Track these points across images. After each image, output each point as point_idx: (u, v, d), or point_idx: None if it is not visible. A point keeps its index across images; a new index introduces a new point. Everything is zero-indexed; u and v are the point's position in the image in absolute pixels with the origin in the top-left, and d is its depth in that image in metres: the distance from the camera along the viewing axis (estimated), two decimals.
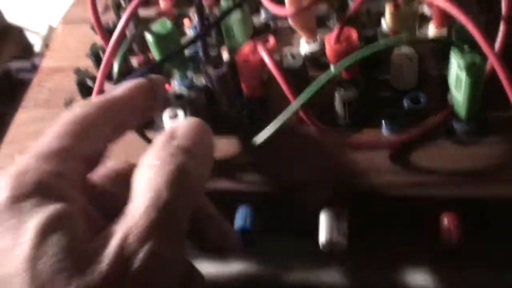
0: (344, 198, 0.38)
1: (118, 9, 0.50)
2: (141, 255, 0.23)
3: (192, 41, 0.37)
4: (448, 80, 0.36)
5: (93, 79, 0.45)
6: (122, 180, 0.30)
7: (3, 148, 0.45)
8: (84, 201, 0.26)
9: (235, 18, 0.41)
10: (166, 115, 0.42)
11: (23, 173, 0.25)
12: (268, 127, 0.36)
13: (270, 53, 0.38)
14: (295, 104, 0.35)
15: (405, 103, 0.39)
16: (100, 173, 0.31)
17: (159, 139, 0.28)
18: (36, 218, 0.24)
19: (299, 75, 0.41)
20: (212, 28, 0.38)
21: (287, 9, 0.40)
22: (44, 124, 0.45)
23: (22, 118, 0.47)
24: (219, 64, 0.39)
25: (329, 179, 0.38)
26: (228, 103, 0.41)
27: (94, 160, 0.29)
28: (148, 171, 0.26)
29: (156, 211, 0.24)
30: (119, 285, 0.23)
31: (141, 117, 0.33)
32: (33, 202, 0.24)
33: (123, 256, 0.23)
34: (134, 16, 0.37)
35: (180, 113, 0.42)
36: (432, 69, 0.42)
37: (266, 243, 0.39)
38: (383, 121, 0.39)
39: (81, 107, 0.29)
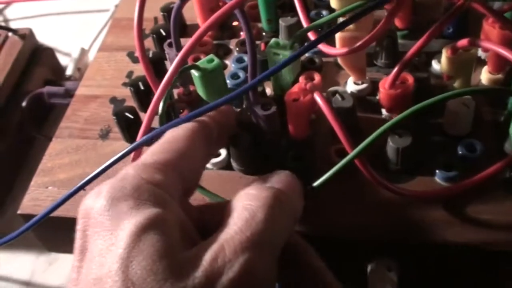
0: (395, 249, 0.36)
1: (159, 38, 0.49)
2: (235, 266, 0.24)
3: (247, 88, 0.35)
4: (509, 130, 0.35)
5: (131, 110, 0.44)
6: (214, 212, 0.31)
7: (36, 179, 0.43)
8: (180, 212, 0.27)
9: (285, 55, 0.39)
10: None
11: (122, 179, 0.26)
12: (327, 174, 0.34)
13: (320, 92, 0.36)
14: (352, 154, 0.33)
15: (460, 151, 0.38)
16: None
17: (254, 180, 0.30)
18: (132, 219, 0.24)
19: (348, 116, 0.39)
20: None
21: (339, 49, 0.39)
22: (79, 155, 0.44)
23: (55, 148, 0.45)
24: (268, 104, 0.37)
25: (381, 228, 0.36)
26: (273, 143, 0.40)
27: (190, 181, 0.30)
28: (245, 197, 0.27)
29: (251, 229, 0.25)
30: None
31: (223, 143, 0.36)
32: (130, 204, 0.25)
33: (217, 266, 0.24)
34: (186, 60, 0.36)
35: (223, 151, 0.41)
36: (486, 114, 0.40)
37: None
38: (437, 170, 0.37)
39: (173, 130, 0.31)
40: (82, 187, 0.34)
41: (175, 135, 0.30)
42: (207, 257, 0.24)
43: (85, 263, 0.25)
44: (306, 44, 0.35)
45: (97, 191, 0.26)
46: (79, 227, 0.26)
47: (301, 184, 0.31)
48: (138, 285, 0.22)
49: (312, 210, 0.37)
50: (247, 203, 0.26)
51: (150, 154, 0.29)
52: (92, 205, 0.25)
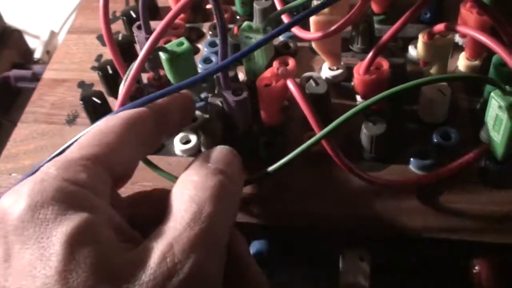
0: (367, 238, 0.36)
1: (129, 20, 0.47)
2: (185, 267, 0.23)
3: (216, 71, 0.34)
4: (485, 118, 0.34)
5: (99, 95, 0.42)
6: (148, 201, 0.30)
7: None
8: (110, 211, 0.25)
9: (257, 38, 0.38)
10: (177, 139, 0.40)
11: (42, 181, 0.24)
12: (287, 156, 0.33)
13: (293, 78, 0.35)
14: (318, 135, 0.32)
15: (435, 139, 0.37)
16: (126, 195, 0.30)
17: (195, 161, 0.28)
18: (61, 228, 0.23)
19: (321, 102, 0.38)
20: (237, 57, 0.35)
21: (313, 33, 0.38)
22: (44, 141, 0.43)
23: (21, 133, 0.44)
24: (239, 89, 0.36)
25: (352, 217, 0.35)
26: (244, 129, 0.38)
27: (121, 174, 0.28)
28: (189, 186, 0.26)
29: (200, 223, 0.24)
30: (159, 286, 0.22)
31: (170, 132, 0.33)
32: (54, 210, 0.23)
33: (167, 267, 0.23)
34: (158, 42, 0.34)
35: (193, 138, 0.40)
36: (462, 101, 0.40)
37: (283, 282, 0.36)
38: (411, 158, 0.36)
39: (108, 119, 0.28)
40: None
41: (107, 125, 0.28)
42: (155, 258, 0.23)
43: (12, 273, 0.23)
44: (279, 27, 0.34)
45: (16, 192, 0.24)
46: (0, 232, 0.24)
47: (241, 161, 0.30)
48: None
49: (283, 199, 0.36)
50: (193, 193, 0.25)
51: (77, 147, 0.26)
52: (11, 209, 0.23)
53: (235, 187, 0.28)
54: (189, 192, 0.26)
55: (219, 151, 0.29)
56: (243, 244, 0.29)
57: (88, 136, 0.27)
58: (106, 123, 0.28)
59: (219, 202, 0.25)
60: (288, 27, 0.35)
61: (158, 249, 0.23)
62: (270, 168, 0.33)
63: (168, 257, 0.23)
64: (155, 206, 0.27)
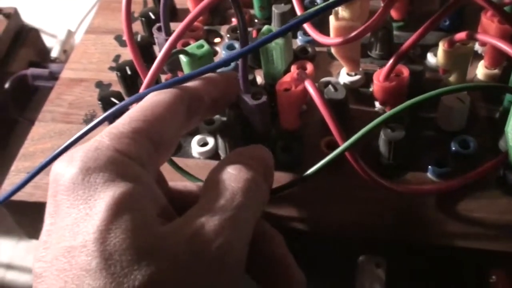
0: (384, 245, 0.36)
1: (148, 21, 0.47)
2: (215, 245, 0.24)
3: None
4: (505, 128, 0.34)
5: (117, 95, 0.42)
6: (184, 193, 0.32)
7: (16, 164, 0.42)
8: (154, 185, 0.26)
9: (277, 42, 0.38)
10: (195, 141, 0.40)
11: (96, 149, 0.25)
12: (317, 165, 0.33)
13: (312, 82, 0.35)
14: (343, 146, 0.32)
15: (453, 147, 0.37)
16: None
17: (230, 155, 0.30)
18: (108, 192, 0.24)
19: (340, 107, 0.38)
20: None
21: (333, 39, 0.38)
22: (62, 140, 0.43)
23: (38, 132, 0.44)
24: (258, 93, 0.36)
25: (368, 225, 0.35)
26: (262, 133, 0.38)
27: (166, 146, 0.29)
28: (224, 177, 0.27)
29: (231, 210, 0.25)
30: (188, 271, 0.23)
31: (213, 110, 0.34)
32: (105, 176, 0.24)
33: (198, 244, 0.24)
34: (177, 43, 0.35)
35: (211, 140, 0.40)
36: (481, 109, 0.40)
37: None
38: (429, 166, 0.36)
39: (156, 94, 0.30)
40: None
41: (156, 100, 0.29)
42: (187, 234, 0.24)
43: (56, 229, 0.24)
44: (295, 19, 0.34)
45: (70, 157, 0.25)
46: (50, 192, 0.25)
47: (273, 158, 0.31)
48: (116, 258, 0.22)
49: (302, 206, 0.36)
50: (228, 183, 0.27)
51: (128, 120, 0.27)
52: (63, 172, 0.25)
53: (265, 184, 0.29)
54: (223, 181, 0.27)
55: (254, 149, 0.31)
56: (282, 246, 0.30)
57: (138, 109, 0.28)
58: (154, 97, 0.30)
59: (249, 195, 0.27)
60: (305, 20, 0.34)
61: (191, 226, 0.24)
62: (306, 174, 0.33)
63: (200, 234, 0.24)
64: (191, 197, 0.29)
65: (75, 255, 0.22)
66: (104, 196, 0.24)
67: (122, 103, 0.32)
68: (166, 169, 0.35)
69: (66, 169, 0.25)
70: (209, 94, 0.32)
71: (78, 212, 0.24)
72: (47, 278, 0.23)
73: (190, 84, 0.32)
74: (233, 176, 0.27)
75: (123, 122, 0.27)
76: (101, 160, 0.25)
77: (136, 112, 0.28)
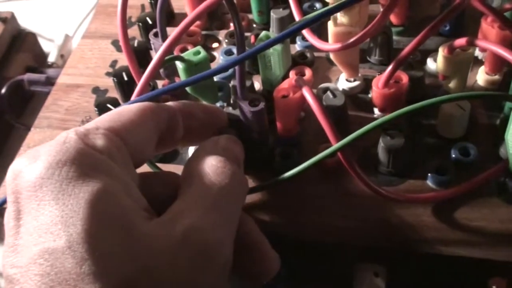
0: (382, 254, 0.35)
1: (145, 26, 0.47)
2: (203, 240, 0.24)
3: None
4: (505, 135, 0.33)
5: (114, 102, 0.42)
6: (158, 181, 0.30)
7: None
8: (129, 180, 0.26)
9: (275, 48, 0.38)
10: (191, 149, 0.39)
11: (64, 143, 0.24)
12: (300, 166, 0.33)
13: (309, 89, 0.35)
14: (334, 146, 0.31)
15: (453, 154, 0.36)
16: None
17: (205, 144, 0.30)
18: (85, 187, 0.23)
19: (338, 114, 0.38)
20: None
21: (332, 44, 0.37)
22: None
23: (34, 139, 0.43)
24: (256, 100, 0.36)
25: (366, 232, 0.35)
26: (260, 140, 0.38)
27: (137, 154, 0.28)
28: (209, 170, 0.27)
29: (221, 206, 0.26)
30: (177, 268, 0.23)
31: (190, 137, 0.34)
32: (78, 170, 0.23)
33: (182, 237, 0.23)
34: (171, 50, 0.34)
35: None
36: (481, 116, 0.39)
37: None
38: (429, 174, 0.36)
39: (124, 105, 0.30)
40: None
41: (125, 108, 0.29)
42: (179, 234, 0.24)
43: (27, 230, 0.22)
44: (293, 26, 0.34)
45: (33, 153, 0.24)
46: (9, 191, 0.24)
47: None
48: (107, 258, 0.21)
49: (300, 212, 0.36)
50: (214, 178, 0.27)
51: (95, 121, 0.27)
52: (27, 168, 0.23)
53: (243, 175, 0.30)
54: (210, 176, 0.27)
55: (228, 138, 0.31)
56: (256, 230, 0.30)
57: (104, 115, 0.28)
58: (123, 106, 0.29)
59: (235, 190, 0.27)
60: (303, 26, 0.34)
61: (182, 224, 0.24)
62: (283, 176, 0.33)
63: (191, 234, 0.24)
64: (165, 187, 0.29)
65: (59, 257, 0.21)
66: (81, 192, 0.22)
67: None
68: None
69: (30, 165, 0.23)
70: (186, 117, 0.32)
71: (51, 210, 0.22)
72: (25, 284, 0.21)
73: (166, 104, 0.31)
74: (220, 170, 0.27)
75: (89, 123, 0.27)
76: (71, 153, 0.23)
77: (104, 116, 0.28)
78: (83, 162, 0.23)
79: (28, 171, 0.23)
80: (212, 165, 0.27)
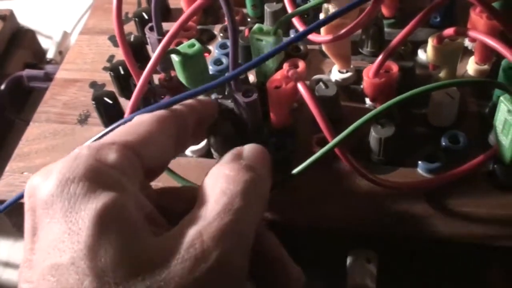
0: (374, 240, 0.36)
1: (141, 21, 0.47)
2: (213, 255, 0.23)
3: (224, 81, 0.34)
4: (494, 122, 0.34)
5: (111, 95, 0.43)
6: (178, 196, 0.30)
7: (11, 164, 0.42)
8: (139, 195, 0.25)
9: (268, 41, 0.38)
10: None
11: (74, 159, 0.24)
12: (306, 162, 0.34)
13: (303, 80, 0.35)
14: (332, 143, 0.32)
15: (443, 142, 0.37)
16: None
17: (227, 156, 0.29)
18: (91, 204, 0.23)
19: (331, 104, 0.39)
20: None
21: (323, 36, 0.38)
22: (56, 141, 0.43)
23: (33, 133, 0.44)
24: (249, 91, 0.37)
25: (359, 219, 0.35)
26: (255, 131, 0.39)
27: (152, 166, 0.28)
28: (221, 180, 0.26)
29: (230, 215, 0.24)
30: (186, 284, 0.22)
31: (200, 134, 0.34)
32: (85, 186, 0.23)
33: (195, 253, 0.23)
34: (171, 44, 0.35)
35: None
36: (471, 105, 0.40)
37: None
38: (419, 161, 0.36)
39: (139, 116, 0.29)
40: None
41: (141, 119, 0.29)
42: (184, 244, 0.23)
43: (40, 246, 0.23)
44: (295, 35, 0.35)
45: (47, 170, 0.25)
46: (27, 207, 0.24)
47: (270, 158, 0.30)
48: (110, 274, 0.21)
49: (293, 201, 0.37)
50: (225, 186, 0.26)
51: (111, 135, 0.27)
52: (41, 186, 0.24)
53: (264, 184, 0.28)
54: (220, 185, 0.26)
55: (252, 148, 0.29)
56: (277, 245, 0.29)
57: (120, 128, 0.28)
58: (137, 118, 0.29)
59: (249, 198, 0.26)
60: (303, 35, 0.35)
61: (188, 235, 0.23)
62: (294, 171, 0.33)
63: (197, 243, 0.23)
64: (183, 202, 0.28)
65: (64, 273, 0.22)
66: (86, 209, 0.23)
67: (109, 128, 0.31)
68: None
69: (44, 182, 0.24)
70: (200, 115, 0.32)
71: (60, 227, 0.23)
72: None
73: (181, 106, 0.31)
74: (231, 178, 0.26)
75: (105, 138, 0.27)
76: (80, 169, 0.24)
77: (118, 130, 0.28)
78: (91, 179, 0.24)
79: (41, 188, 0.24)
80: (224, 174, 0.26)
